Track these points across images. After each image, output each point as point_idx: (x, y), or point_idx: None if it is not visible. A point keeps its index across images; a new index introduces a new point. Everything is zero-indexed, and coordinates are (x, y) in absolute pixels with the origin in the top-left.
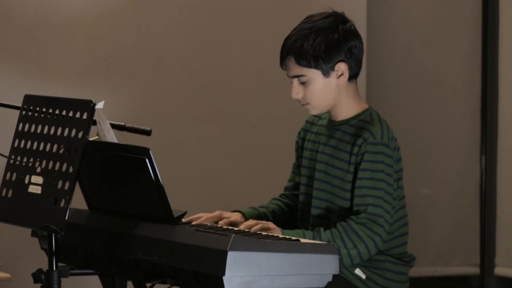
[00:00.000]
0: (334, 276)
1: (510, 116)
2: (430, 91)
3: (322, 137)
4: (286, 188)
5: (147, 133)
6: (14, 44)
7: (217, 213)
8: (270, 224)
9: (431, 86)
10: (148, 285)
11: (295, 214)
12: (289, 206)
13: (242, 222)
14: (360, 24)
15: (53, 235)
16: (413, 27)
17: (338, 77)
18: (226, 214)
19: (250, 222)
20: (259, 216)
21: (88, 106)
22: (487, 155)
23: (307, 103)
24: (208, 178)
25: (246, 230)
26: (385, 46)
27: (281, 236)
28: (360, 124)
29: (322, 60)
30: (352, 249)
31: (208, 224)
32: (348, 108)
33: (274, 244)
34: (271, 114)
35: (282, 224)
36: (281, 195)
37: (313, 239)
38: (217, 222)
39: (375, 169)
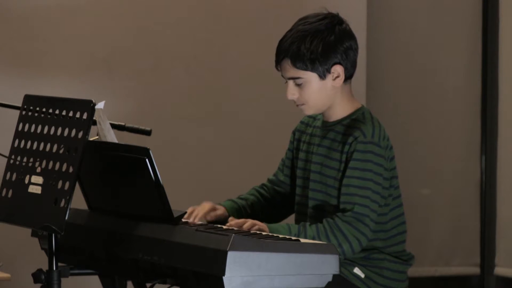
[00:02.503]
0: (334, 275)
1: (510, 116)
2: (430, 91)
3: (316, 138)
4: (268, 180)
5: (147, 133)
6: (14, 44)
7: (210, 206)
8: (257, 222)
9: (431, 86)
10: (148, 285)
11: (271, 207)
12: (266, 200)
13: (226, 217)
14: (360, 24)
15: (53, 235)
16: (413, 27)
17: (334, 79)
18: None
19: (240, 220)
20: (239, 210)
21: (88, 106)
22: (487, 155)
23: (303, 104)
24: (208, 178)
25: (237, 228)
26: (385, 46)
27: (281, 236)
28: (352, 123)
29: (319, 62)
30: (336, 247)
31: (207, 223)
32: (341, 108)
33: (274, 244)
34: (271, 114)
35: (258, 217)
36: (262, 185)
37: (298, 233)
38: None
39: (363, 168)
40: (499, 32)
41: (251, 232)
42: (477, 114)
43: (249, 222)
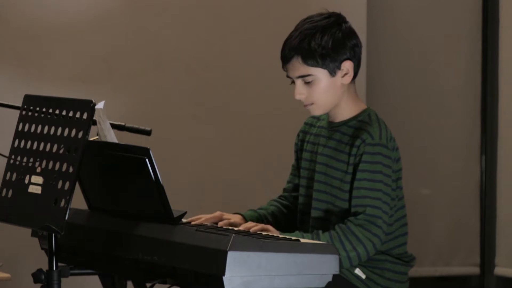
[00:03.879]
0: (334, 276)
1: (510, 116)
2: (430, 91)
3: (321, 138)
4: (284, 190)
5: (147, 133)
6: (14, 44)
7: (217, 213)
8: (270, 227)
9: (431, 86)
10: (148, 285)
11: (294, 216)
12: (288, 208)
13: (242, 224)
14: (360, 24)
15: (53, 235)
16: (413, 27)
17: (343, 76)
18: (227, 215)
19: (250, 223)
20: (259, 218)
21: (88, 106)
22: (487, 155)
23: (311, 104)
24: (208, 178)
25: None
26: (385, 46)
27: (281, 236)
28: (359, 125)
29: (330, 58)
30: (351, 251)
31: (208, 224)
32: (347, 109)
33: (274, 244)
34: (271, 113)
35: (281, 225)
36: (279, 197)
37: None
38: (217, 223)
39: (373, 170)
40: (499, 32)
41: (251, 232)
42: (477, 114)
43: (259, 226)
